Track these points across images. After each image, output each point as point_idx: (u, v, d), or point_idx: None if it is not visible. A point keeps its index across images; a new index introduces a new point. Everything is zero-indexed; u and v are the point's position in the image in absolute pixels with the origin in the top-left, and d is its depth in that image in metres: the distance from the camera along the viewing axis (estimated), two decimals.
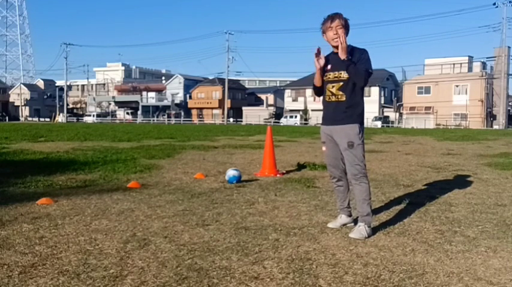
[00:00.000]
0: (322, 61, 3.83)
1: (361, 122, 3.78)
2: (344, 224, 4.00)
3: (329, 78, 3.85)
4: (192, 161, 9.27)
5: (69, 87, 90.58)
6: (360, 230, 3.66)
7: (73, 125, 46.57)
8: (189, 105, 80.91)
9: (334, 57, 3.85)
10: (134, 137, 17.98)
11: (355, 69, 3.67)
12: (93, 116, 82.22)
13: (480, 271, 2.93)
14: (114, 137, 18.15)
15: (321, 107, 4.08)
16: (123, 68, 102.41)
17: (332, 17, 3.78)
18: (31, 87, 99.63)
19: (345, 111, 3.74)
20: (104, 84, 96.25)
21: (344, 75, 3.75)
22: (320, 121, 4.22)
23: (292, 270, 2.90)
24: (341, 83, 3.76)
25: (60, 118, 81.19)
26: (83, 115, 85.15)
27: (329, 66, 3.86)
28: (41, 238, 3.53)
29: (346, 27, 3.76)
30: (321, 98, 4.02)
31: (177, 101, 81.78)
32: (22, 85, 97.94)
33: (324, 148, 4.01)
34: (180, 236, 3.62)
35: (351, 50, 3.78)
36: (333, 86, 3.81)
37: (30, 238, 3.55)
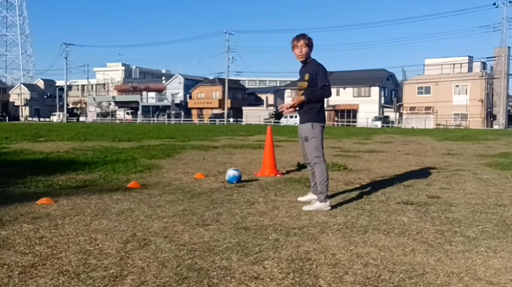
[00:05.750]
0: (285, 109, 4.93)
1: (317, 120, 4.68)
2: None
3: (298, 86, 4.90)
4: (192, 161, 9.27)
5: (69, 87, 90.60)
6: (313, 205, 4.63)
7: (72, 124, 46.56)
8: (189, 105, 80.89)
9: (301, 69, 4.85)
10: (134, 137, 17.98)
11: (315, 95, 4.65)
12: (60, 116, 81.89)
13: (480, 271, 2.93)
14: (114, 137, 18.15)
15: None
16: (123, 68, 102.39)
17: (298, 38, 4.72)
18: (31, 87, 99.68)
19: (304, 113, 4.74)
20: (104, 84, 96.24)
21: (303, 85, 4.72)
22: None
23: (292, 270, 2.90)
24: (302, 91, 4.76)
25: (56, 118, 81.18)
26: (49, 116, 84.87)
27: (299, 76, 4.87)
28: (41, 238, 3.53)
29: (309, 45, 4.71)
30: None
31: (177, 101, 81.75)
32: (22, 85, 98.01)
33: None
34: (180, 236, 3.62)
35: (309, 61, 4.74)
36: (298, 93, 4.86)
37: (30, 238, 3.54)
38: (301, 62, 4.81)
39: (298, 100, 4.71)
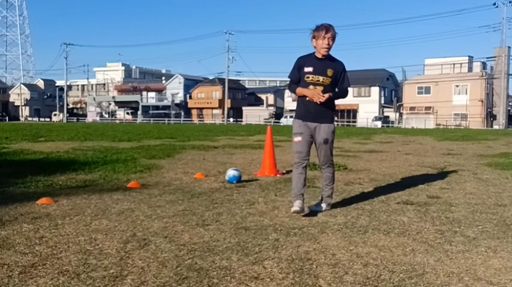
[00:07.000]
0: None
1: (333, 122, 4.48)
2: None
3: (312, 80, 4.27)
4: (192, 161, 9.27)
5: (69, 87, 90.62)
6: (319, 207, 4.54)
7: (73, 125, 46.55)
8: (189, 105, 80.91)
9: (317, 62, 4.29)
10: (134, 137, 17.98)
11: (337, 94, 4.37)
12: (59, 116, 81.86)
13: (480, 271, 2.93)
14: (114, 137, 18.15)
15: None
16: (123, 68, 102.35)
17: (327, 28, 4.18)
18: (31, 87, 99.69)
19: (326, 112, 4.33)
20: (104, 84, 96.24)
21: (326, 81, 4.25)
22: None
23: (292, 270, 2.90)
24: (322, 87, 4.24)
25: (54, 118, 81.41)
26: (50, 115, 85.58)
27: (311, 69, 4.27)
28: (41, 238, 3.53)
29: (334, 39, 4.23)
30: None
31: (177, 101, 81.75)
32: (22, 85, 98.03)
33: (298, 139, 4.38)
34: (180, 236, 3.61)
35: (331, 57, 4.31)
36: (314, 88, 4.26)
37: (30, 238, 3.54)
38: (323, 56, 4.25)
39: (329, 96, 4.21)
